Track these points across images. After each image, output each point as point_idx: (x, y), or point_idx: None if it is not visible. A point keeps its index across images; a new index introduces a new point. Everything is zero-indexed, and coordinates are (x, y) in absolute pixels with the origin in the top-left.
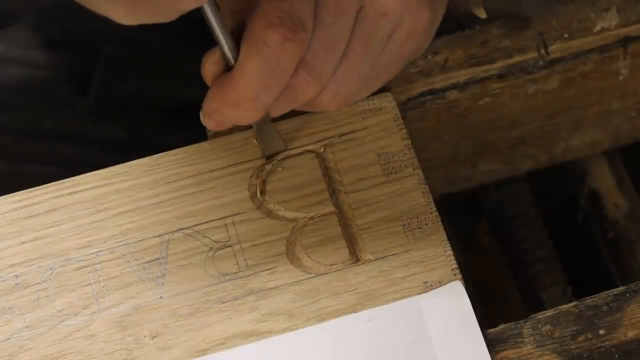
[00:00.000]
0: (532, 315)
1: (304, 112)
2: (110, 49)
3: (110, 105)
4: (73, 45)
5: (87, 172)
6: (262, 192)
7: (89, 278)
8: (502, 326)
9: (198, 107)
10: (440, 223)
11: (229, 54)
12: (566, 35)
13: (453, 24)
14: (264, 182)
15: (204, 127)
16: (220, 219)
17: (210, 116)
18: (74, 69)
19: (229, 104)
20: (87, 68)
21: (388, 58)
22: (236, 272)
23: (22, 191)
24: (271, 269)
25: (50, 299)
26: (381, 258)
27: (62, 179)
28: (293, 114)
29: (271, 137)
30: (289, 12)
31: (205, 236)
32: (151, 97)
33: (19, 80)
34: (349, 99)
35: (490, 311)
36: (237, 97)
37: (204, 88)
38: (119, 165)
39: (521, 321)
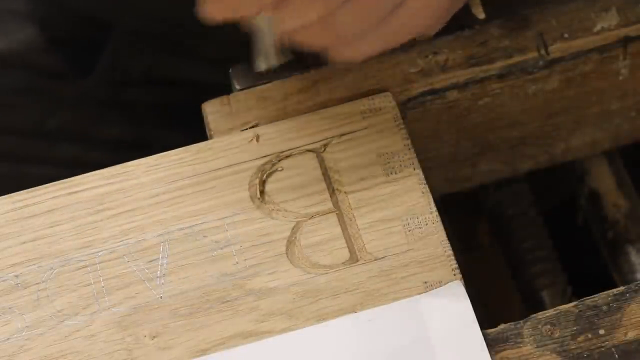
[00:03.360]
0: (532, 315)
1: (304, 112)
2: (121, 24)
3: (116, 97)
4: (80, 34)
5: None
6: (262, 192)
7: (89, 278)
8: (502, 326)
9: (204, 93)
10: (440, 223)
11: None
12: (566, 35)
13: (453, 23)
14: (264, 182)
15: (204, 126)
16: (220, 219)
17: None
18: (80, 57)
19: None
20: (94, 51)
21: (399, 19)
22: (236, 272)
23: (22, 191)
24: (271, 269)
25: (50, 299)
26: (381, 258)
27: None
28: (292, 114)
29: (268, 49)
30: None
31: (205, 236)
32: (160, 75)
33: (21, 80)
34: (352, 42)
35: (490, 311)
36: None
37: (213, 67)
38: (119, 165)
39: (521, 321)
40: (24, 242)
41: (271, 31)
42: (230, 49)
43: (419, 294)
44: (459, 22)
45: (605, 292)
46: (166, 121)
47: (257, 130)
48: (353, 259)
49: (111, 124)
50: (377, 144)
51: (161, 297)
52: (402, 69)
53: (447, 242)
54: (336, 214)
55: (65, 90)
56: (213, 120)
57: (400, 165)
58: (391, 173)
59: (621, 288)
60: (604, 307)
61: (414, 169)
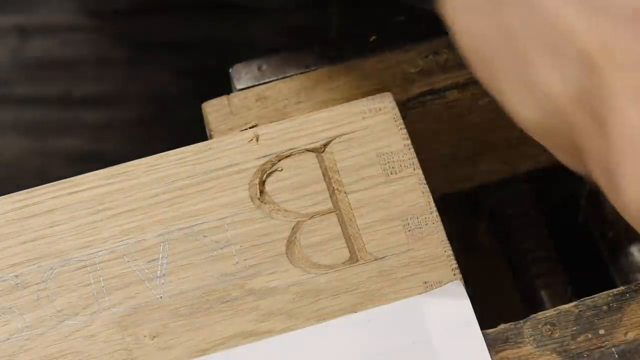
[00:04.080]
0: (532, 315)
1: (304, 112)
2: None
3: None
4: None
5: (113, 142)
6: (262, 192)
7: (89, 278)
8: (502, 326)
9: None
10: (440, 223)
11: None
12: None
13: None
14: (264, 182)
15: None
16: (220, 219)
17: None
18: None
19: None
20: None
21: None
22: (236, 272)
23: (22, 191)
24: (271, 269)
25: (50, 299)
26: (381, 258)
27: (89, 153)
28: (292, 114)
29: None
30: None
31: (205, 236)
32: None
33: (44, 51)
34: None
35: (490, 311)
36: None
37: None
38: (119, 165)
39: (521, 321)
40: (24, 242)
41: None
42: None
43: (419, 294)
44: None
45: (605, 292)
46: (192, 88)
47: (257, 130)
48: (353, 259)
49: (138, 91)
50: (377, 144)
51: (161, 297)
52: (402, 69)
53: (447, 242)
54: (336, 214)
55: (91, 61)
56: (213, 120)
57: (400, 165)
58: (391, 173)
59: (621, 288)
60: (604, 307)
61: (414, 169)
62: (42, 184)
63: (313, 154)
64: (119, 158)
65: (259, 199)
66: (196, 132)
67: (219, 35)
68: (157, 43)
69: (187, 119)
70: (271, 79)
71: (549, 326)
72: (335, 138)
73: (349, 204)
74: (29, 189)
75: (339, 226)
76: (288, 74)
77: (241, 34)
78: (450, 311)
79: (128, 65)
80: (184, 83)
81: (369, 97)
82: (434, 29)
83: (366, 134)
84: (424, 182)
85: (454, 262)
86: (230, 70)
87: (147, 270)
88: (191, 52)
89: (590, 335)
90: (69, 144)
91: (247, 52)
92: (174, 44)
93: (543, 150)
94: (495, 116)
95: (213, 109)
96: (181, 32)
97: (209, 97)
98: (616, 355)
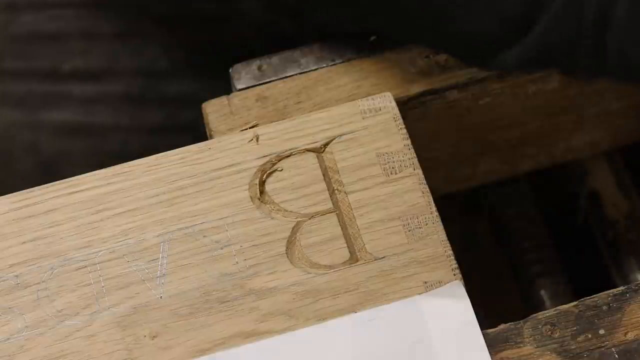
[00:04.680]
0: (532, 315)
1: (304, 112)
2: None
3: (133, 32)
4: None
5: (102, 115)
6: (262, 192)
7: (89, 278)
8: (502, 326)
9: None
10: (440, 223)
11: None
12: None
13: None
14: (264, 182)
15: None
16: (220, 219)
17: None
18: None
19: None
20: None
21: None
22: (236, 272)
23: (22, 191)
24: (271, 269)
25: (50, 299)
26: (381, 258)
27: (78, 126)
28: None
29: None
30: None
31: (205, 236)
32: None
33: (33, 26)
34: None
35: (490, 311)
36: None
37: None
38: (119, 165)
39: (521, 321)
40: (24, 242)
41: None
42: None
43: (419, 294)
44: None
45: (605, 292)
46: (183, 66)
47: (257, 130)
48: (353, 259)
49: (129, 65)
50: (377, 144)
51: (161, 297)
52: (402, 69)
53: (447, 242)
54: (336, 214)
55: (81, 33)
56: (213, 120)
57: (400, 165)
58: (391, 173)
59: (621, 288)
60: (604, 307)
61: (414, 169)
62: (32, 157)
63: (313, 154)
64: (108, 131)
65: (259, 199)
66: (186, 107)
67: (208, 8)
68: (146, 17)
69: (177, 93)
70: (271, 79)
71: (549, 326)
72: (335, 138)
73: (349, 204)
74: (29, 189)
75: (339, 226)
76: (288, 74)
77: (230, 7)
78: (450, 311)
79: (117, 39)
80: (174, 57)
81: (369, 97)
82: None
83: (366, 134)
84: (424, 182)
85: (454, 262)
86: (230, 70)
87: (147, 270)
88: (180, 26)
89: (590, 335)
90: (58, 117)
91: (237, 26)
92: (163, 18)
93: (543, 150)
94: (495, 116)
95: (213, 109)
96: (170, 5)
97: (200, 72)
98: (616, 355)
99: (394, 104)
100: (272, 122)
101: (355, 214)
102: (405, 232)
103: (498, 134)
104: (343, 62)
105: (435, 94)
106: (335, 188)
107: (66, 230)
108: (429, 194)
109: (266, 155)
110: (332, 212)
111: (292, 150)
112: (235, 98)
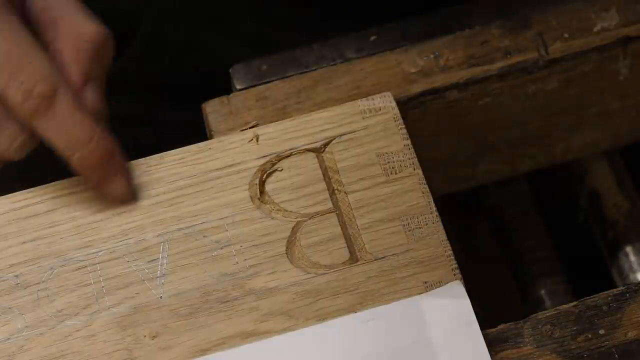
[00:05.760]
0: (532, 315)
1: (304, 112)
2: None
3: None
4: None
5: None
6: (262, 192)
7: (89, 278)
8: (502, 326)
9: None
10: (440, 223)
11: None
12: (566, 35)
13: (453, 23)
14: (264, 182)
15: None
16: (220, 219)
17: None
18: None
19: None
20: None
21: None
22: (236, 272)
23: (22, 191)
24: (271, 269)
25: (50, 299)
26: (381, 258)
27: None
28: (293, 114)
29: None
30: None
31: (205, 236)
32: (196, 49)
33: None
34: None
35: (490, 311)
36: None
37: (245, 47)
38: None
39: (521, 321)
40: (24, 242)
41: None
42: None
43: (419, 294)
44: (459, 22)
45: (605, 292)
46: (183, 97)
47: (257, 130)
48: (353, 259)
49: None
50: (377, 143)
51: (161, 297)
52: (402, 69)
53: (447, 242)
54: (336, 214)
55: None
56: (213, 120)
57: (400, 165)
58: (391, 173)
59: (621, 288)
60: (604, 307)
61: (414, 169)
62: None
63: (313, 154)
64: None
65: (259, 199)
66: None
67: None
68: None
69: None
70: (271, 79)
71: (549, 326)
72: (335, 138)
73: (349, 204)
74: (29, 189)
75: (339, 226)
76: (288, 74)
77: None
78: (450, 311)
79: None
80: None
81: (369, 97)
82: (434, 29)
83: (366, 134)
84: (424, 182)
85: (454, 262)
86: (230, 70)
87: (147, 270)
88: None
89: (590, 335)
90: None
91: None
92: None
93: (543, 150)
94: (495, 116)
95: (213, 109)
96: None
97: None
98: (616, 355)
99: (394, 104)
100: (272, 122)
101: (355, 214)
102: (405, 232)
103: (498, 134)
104: (343, 62)
105: (435, 94)
106: (335, 188)
107: (66, 230)
108: (429, 194)
109: (266, 155)
110: (332, 212)
111: (292, 150)
112: (235, 98)
